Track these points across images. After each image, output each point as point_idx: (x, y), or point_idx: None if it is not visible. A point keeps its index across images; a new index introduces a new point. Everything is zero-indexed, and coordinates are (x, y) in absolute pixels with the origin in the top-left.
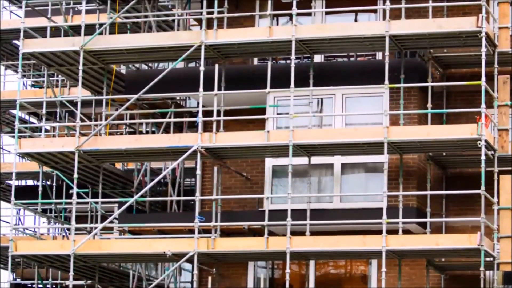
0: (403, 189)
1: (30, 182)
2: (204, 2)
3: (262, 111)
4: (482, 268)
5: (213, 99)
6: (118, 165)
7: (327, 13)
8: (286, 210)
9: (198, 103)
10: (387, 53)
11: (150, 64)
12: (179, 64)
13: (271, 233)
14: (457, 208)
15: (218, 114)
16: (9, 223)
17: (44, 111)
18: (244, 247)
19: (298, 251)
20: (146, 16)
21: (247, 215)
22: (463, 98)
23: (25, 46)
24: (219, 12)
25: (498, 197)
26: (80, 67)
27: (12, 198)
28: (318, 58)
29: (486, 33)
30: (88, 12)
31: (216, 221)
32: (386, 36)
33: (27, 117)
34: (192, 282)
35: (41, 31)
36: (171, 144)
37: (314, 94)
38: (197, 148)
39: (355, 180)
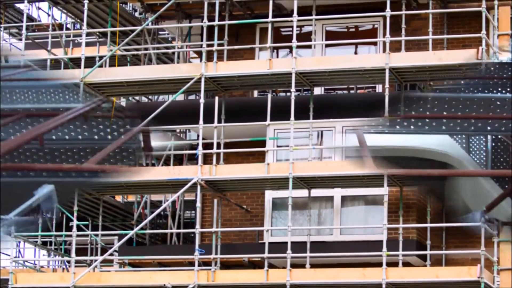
0: (403, 222)
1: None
2: (204, 35)
3: (262, 143)
4: None
5: (213, 131)
6: (118, 198)
7: (327, 45)
8: (286, 243)
9: (198, 136)
10: (387, 85)
11: (150, 97)
12: (179, 97)
13: (271, 266)
14: (457, 241)
15: (218, 147)
16: (9, 255)
17: None
18: (244, 279)
19: (298, 283)
20: (146, 49)
21: (247, 248)
22: None
23: None
24: (219, 45)
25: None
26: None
27: (12, 230)
28: (318, 91)
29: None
30: (88, 44)
31: (216, 254)
32: (386, 68)
33: None
34: None
35: (41, 64)
36: (171, 177)
37: (314, 127)
38: (197, 181)
39: (355, 213)
